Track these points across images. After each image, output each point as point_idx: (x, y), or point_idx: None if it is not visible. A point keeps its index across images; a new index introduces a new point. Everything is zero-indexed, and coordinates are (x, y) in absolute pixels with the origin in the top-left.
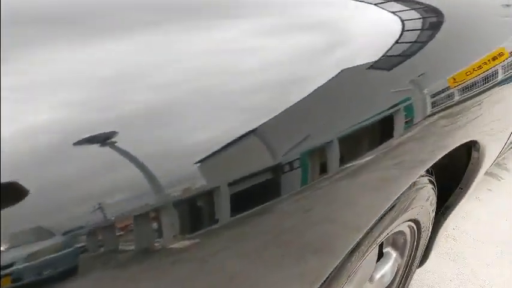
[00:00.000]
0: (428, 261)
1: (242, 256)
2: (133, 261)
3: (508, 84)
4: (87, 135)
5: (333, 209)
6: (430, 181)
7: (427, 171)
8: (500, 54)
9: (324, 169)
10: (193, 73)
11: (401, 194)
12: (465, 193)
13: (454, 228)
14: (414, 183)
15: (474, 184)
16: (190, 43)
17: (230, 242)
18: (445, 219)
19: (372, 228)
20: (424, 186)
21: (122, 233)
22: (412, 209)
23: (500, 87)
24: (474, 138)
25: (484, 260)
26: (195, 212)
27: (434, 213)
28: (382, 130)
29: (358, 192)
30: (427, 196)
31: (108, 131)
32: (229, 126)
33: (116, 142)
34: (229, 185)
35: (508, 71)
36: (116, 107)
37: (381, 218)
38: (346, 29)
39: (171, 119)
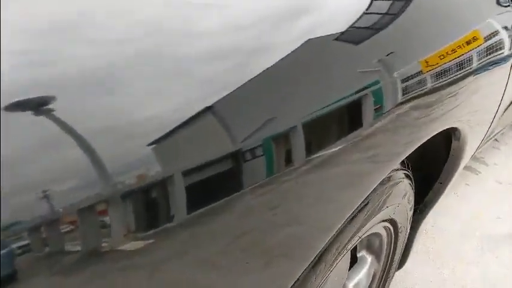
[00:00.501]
0: (406, 261)
1: (197, 261)
2: (75, 264)
3: (487, 71)
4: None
5: (298, 207)
6: (407, 175)
7: (403, 164)
8: (475, 39)
9: (287, 159)
10: (139, 30)
11: (373, 191)
12: (445, 187)
13: (432, 226)
14: (388, 179)
15: (455, 177)
16: None
17: (184, 244)
18: (424, 216)
19: (341, 231)
20: (399, 182)
21: (52, 231)
22: (387, 207)
23: (478, 74)
24: (454, 125)
25: (464, 258)
26: (141, 208)
27: (412, 211)
28: (350, 117)
29: (325, 187)
30: (403, 192)
31: (41, 95)
32: (179, 102)
33: (52, 110)
34: (181, 174)
35: (485, 56)
36: (49, 67)
37: (352, 218)
38: None
39: (112, 86)
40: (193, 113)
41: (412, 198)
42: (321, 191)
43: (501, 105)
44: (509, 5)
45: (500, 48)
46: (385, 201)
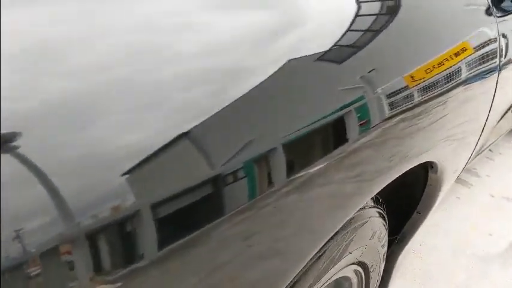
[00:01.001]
0: (392, 285)
1: None
2: None
3: (476, 82)
4: None
5: (275, 238)
6: (378, 212)
7: (374, 201)
8: (464, 50)
9: (268, 183)
10: (113, 57)
11: (330, 241)
12: (425, 217)
13: (420, 245)
14: (350, 221)
15: (435, 207)
16: (112, 15)
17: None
18: (403, 247)
19: (300, 279)
20: (364, 223)
21: (16, 275)
22: (350, 253)
23: (467, 85)
24: (430, 159)
25: (454, 280)
26: (114, 245)
27: (385, 247)
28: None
29: (290, 222)
30: (370, 233)
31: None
32: (156, 129)
33: (16, 148)
34: (157, 206)
35: (474, 67)
36: (16, 99)
37: (309, 268)
38: (297, 8)
39: (83, 117)
40: (165, 141)
41: (384, 235)
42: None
43: (488, 123)
44: (500, 16)
45: (484, 62)
46: (346, 248)
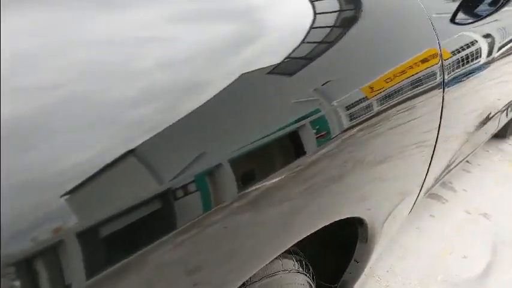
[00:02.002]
0: None
1: None
2: None
3: (454, 86)
4: None
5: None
6: (298, 272)
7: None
8: (434, 56)
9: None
10: (67, 75)
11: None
12: (364, 266)
13: (387, 271)
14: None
15: (374, 256)
16: (66, 30)
17: None
18: None
19: None
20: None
21: None
22: None
23: (459, 82)
24: (356, 215)
25: None
26: (55, 268)
27: None
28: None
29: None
30: None
31: None
32: (102, 147)
33: None
34: (104, 223)
35: (449, 72)
36: None
37: None
38: (253, 20)
39: (26, 134)
40: (110, 159)
41: None
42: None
43: (436, 155)
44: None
45: (422, 83)
46: None
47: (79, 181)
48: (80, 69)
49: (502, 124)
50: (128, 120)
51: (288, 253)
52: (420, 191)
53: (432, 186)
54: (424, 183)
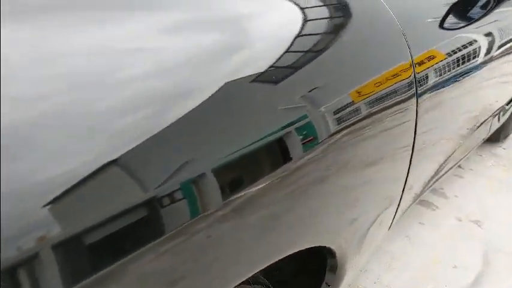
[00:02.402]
0: None
1: None
2: None
3: (444, 88)
4: None
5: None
6: None
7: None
8: (431, 58)
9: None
10: (46, 81)
11: None
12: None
13: (375, 283)
14: None
15: (345, 281)
16: (52, 40)
17: None
18: None
19: None
20: None
21: None
22: None
23: (432, 93)
24: (323, 244)
25: None
26: (39, 277)
27: None
28: None
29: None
30: None
31: None
32: (88, 155)
33: None
34: (87, 232)
35: (440, 74)
36: None
37: None
38: (238, 29)
39: (11, 143)
40: (95, 167)
41: None
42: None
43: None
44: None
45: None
46: None
47: (63, 190)
48: (64, 79)
49: (494, 129)
50: (112, 129)
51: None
52: (397, 208)
53: (422, 193)
54: (401, 200)
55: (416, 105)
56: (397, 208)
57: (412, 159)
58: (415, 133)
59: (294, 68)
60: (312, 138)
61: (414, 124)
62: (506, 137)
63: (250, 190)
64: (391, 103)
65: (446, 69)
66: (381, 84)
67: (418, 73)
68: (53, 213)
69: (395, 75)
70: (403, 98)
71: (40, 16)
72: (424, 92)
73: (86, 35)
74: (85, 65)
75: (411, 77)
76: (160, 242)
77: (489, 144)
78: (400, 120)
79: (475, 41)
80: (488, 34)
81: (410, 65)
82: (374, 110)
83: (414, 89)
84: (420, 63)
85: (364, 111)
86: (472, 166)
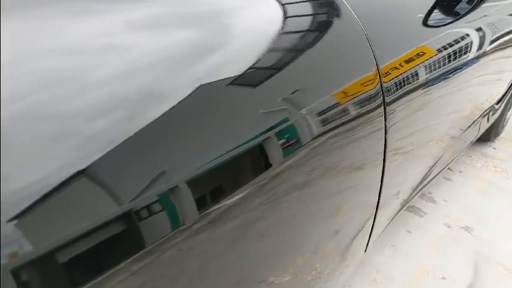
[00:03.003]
0: None
1: None
2: None
3: (437, 84)
4: None
5: None
6: None
7: None
8: (421, 54)
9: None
10: (5, 83)
11: None
12: None
13: None
14: None
15: None
16: (24, 39)
17: None
18: None
19: None
20: None
21: None
22: None
23: (426, 88)
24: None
25: None
26: None
27: None
28: None
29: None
30: None
31: None
32: (53, 167)
33: None
34: (56, 250)
35: (432, 71)
36: None
37: None
38: (216, 28)
39: None
40: (62, 179)
41: None
42: None
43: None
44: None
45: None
46: None
47: (27, 203)
48: (28, 80)
49: (482, 130)
50: (81, 136)
51: None
52: (371, 234)
53: (410, 199)
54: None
55: (385, 113)
56: (373, 223)
57: (385, 166)
58: (385, 141)
59: (253, 84)
60: (294, 141)
61: (384, 131)
62: (496, 136)
63: (227, 201)
64: (360, 111)
65: (433, 67)
66: (347, 95)
67: (385, 83)
68: (14, 230)
69: (362, 85)
70: (371, 106)
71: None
72: (400, 97)
73: (49, 32)
74: (49, 65)
75: (377, 87)
76: (136, 258)
77: (479, 144)
78: (370, 130)
79: (462, 38)
80: (470, 33)
81: (376, 75)
82: (343, 121)
83: (382, 97)
84: (386, 74)
85: (334, 120)
86: (461, 168)
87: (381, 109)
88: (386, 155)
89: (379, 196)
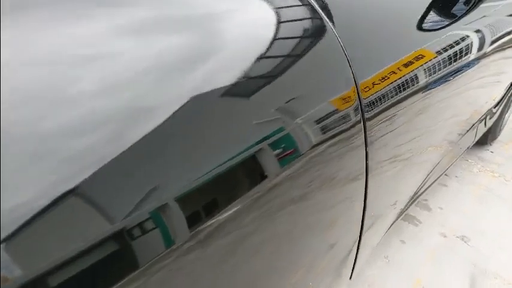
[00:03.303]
0: None
1: None
2: None
3: (435, 88)
4: None
5: None
6: None
7: None
8: (420, 57)
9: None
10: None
11: None
12: None
13: None
14: None
15: None
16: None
17: None
18: None
19: None
20: None
21: None
22: None
23: (425, 92)
24: None
25: None
26: None
27: None
28: None
29: None
30: None
31: None
32: (36, 188)
33: None
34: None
35: (431, 74)
36: None
37: None
38: (209, 36)
39: None
40: (48, 201)
41: None
42: None
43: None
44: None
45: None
46: None
47: (13, 228)
48: (4, 96)
49: (479, 135)
50: (65, 154)
51: None
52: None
53: (406, 208)
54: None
55: (363, 123)
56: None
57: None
58: (366, 152)
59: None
60: (289, 152)
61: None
62: (494, 139)
63: (220, 217)
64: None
65: (432, 71)
66: (345, 101)
67: (366, 98)
68: (7, 253)
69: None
70: (369, 114)
71: None
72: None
73: (29, 39)
74: (30, 77)
75: (355, 104)
76: (128, 279)
77: (476, 148)
78: (350, 142)
79: (462, 39)
80: (468, 35)
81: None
82: (340, 129)
83: (359, 107)
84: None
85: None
86: (457, 173)
87: (377, 118)
88: (385, 162)
89: (373, 209)
